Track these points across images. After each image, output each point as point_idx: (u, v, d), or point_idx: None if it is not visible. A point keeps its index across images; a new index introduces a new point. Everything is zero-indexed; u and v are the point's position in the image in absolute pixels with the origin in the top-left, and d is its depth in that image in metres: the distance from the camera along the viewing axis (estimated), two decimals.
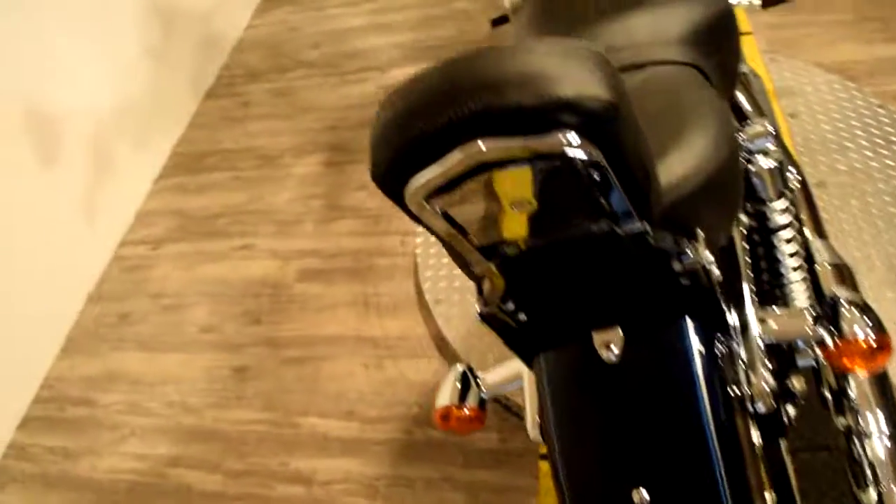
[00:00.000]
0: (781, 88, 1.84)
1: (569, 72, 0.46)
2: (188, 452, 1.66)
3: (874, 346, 0.67)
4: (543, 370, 0.73)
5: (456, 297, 1.69)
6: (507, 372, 0.88)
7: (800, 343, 0.81)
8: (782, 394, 0.84)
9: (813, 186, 1.61)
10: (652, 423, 0.65)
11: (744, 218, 0.94)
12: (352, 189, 2.05)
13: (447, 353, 1.64)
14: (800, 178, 1.18)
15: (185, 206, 2.19)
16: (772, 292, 0.94)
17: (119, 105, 2.19)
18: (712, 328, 0.70)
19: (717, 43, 0.81)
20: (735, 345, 0.72)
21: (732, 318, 0.74)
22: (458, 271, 1.73)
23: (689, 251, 0.62)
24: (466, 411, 0.86)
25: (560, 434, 0.69)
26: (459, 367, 0.91)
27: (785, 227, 0.92)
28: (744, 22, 1.98)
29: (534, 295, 0.68)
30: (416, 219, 0.56)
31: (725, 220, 0.68)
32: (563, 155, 0.46)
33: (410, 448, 1.53)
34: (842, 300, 0.69)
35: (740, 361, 0.72)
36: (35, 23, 1.92)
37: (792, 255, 0.93)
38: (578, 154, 0.46)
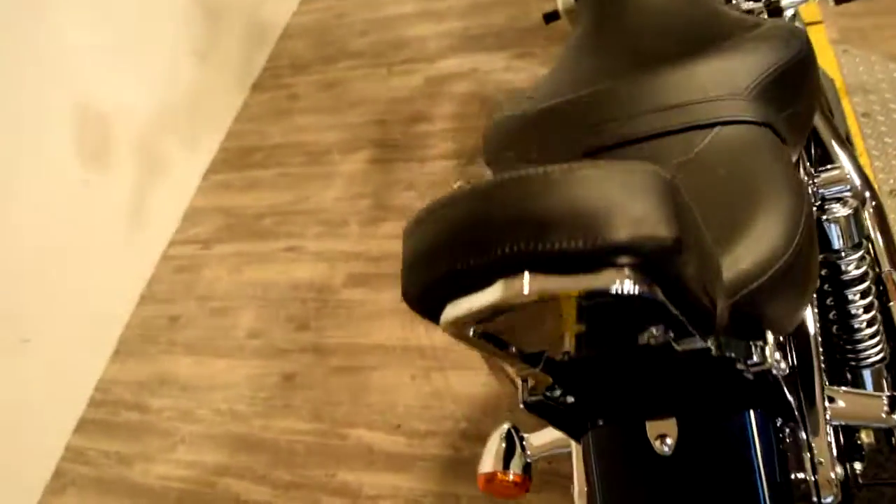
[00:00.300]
0: (853, 85, 1.71)
1: (625, 209, 0.41)
2: (236, 461, 1.67)
3: None
4: (593, 445, 0.69)
5: None
6: (555, 435, 0.84)
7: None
8: (849, 457, 0.78)
9: (886, 196, 1.51)
10: None
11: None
12: (399, 189, 2.01)
13: (494, 364, 1.60)
14: (873, 201, 1.09)
15: (233, 205, 2.19)
16: (842, 350, 0.87)
17: (166, 102, 2.18)
18: (775, 416, 0.64)
19: (793, 92, 0.74)
20: (800, 432, 0.67)
21: (798, 401, 0.68)
22: None
23: (755, 355, 0.56)
24: (511, 477, 0.82)
25: None
26: (504, 427, 0.87)
27: (860, 279, 0.85)
28: (813, 10, 1.85)
29: (583, 386, 0.63)
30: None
31: (798, 308, 0.62)
32: (617, 294, 0.41)
33: (458, 465, 1.51)
34: None
35: (806, 449, 0.66)
36: (78, 23, 1.91)
37: (866, 310, 0.85)
38: (634, 292, 0.41)
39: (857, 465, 0.80)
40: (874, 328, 0.87)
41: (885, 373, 0.85)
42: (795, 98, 0.74)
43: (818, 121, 1.09)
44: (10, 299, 1.75)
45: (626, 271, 0.41)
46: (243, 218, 2.14)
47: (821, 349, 0.73)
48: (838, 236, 0.83)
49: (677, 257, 0.42)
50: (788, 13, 1.53)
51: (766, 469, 0.61)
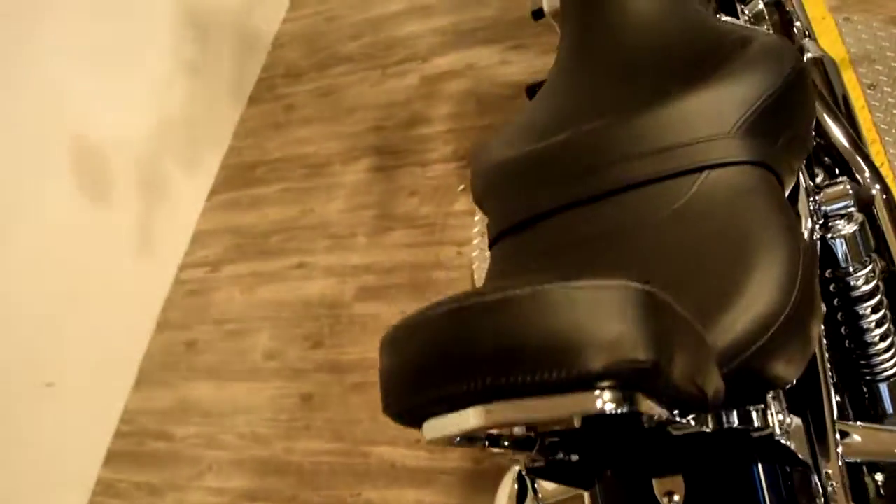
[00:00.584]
0: (857, 55, 1.66)
1: (597, 334, 0.39)
2: (264, 486, 1.68)
3: None
4: (602, 496, 0.68)
5: None
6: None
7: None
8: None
9: None
10: None
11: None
12: (403, 196, 1.99)
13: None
14: (884, 194, 1.06)
15: (239, 223, 2.18)
16: (857, 365, 0.85)
17: (163, 125, 2.17)
18: (784, 464, 0.62)
19: (788, 116, 0.71)
20: (812, 476, 0.65)
21: (809, 441, 0.66)
22: None
23: (756, 420, 0.54)
24: None
25: None
26: (516, 469, 0.86)
27: (870, 294, 0.82)
28: None
29: (585, 449, 0.62)
30: None
31: (802, 360, 0.60)
32: (596, 412, 0.40)
33: (479, 477, 1.51)
34: None
35: (819, 495, 0.65)
36: (65, 57, 1.90)
37: (878, 324, 0.83)
38: (612, 412, 0.40)
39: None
40: (888, 341, 0.85)
41: None
42: (791, 122, 0.72)
43: (821, 118, 1.06)
44: (30, 345, 1.77)
45: (604, 394, 0.39)
46: (251, 237, 2.13)
47: (830, 380, 0.71)
48: (845, 253, 0.81)
49: (659, 376, 0.40)
50: None
51: None
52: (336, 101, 2.33)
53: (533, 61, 2.06)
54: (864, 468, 0.74)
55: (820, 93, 1.14)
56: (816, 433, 0.68)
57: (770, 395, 0.55)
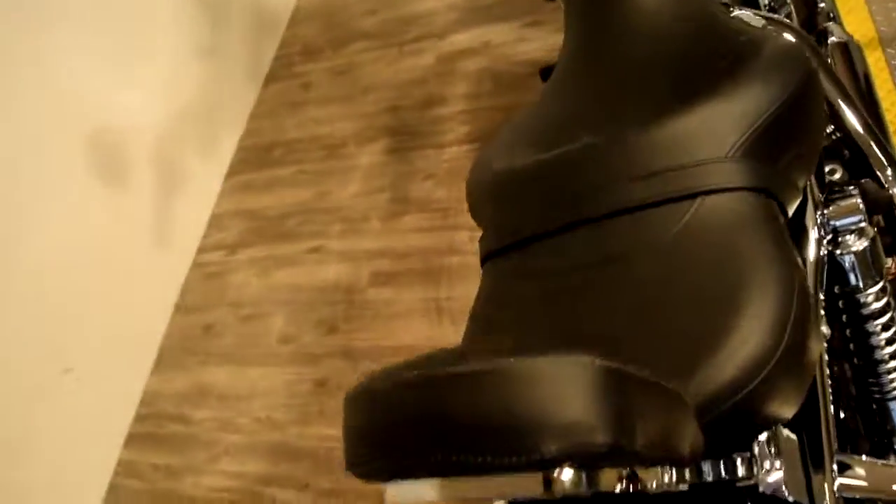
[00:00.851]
0: (887, 34, 1.59)
1: (558, 416, 0.37)
2: (278, 470, 1.70)
3: None
4: None
5: None
6: None
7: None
8: None
9: None
10: None
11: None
12: (418, 179, 1.97)
13: None
14: None
15: (256, 206, 2.18)
16: (866, 384, 0.81)
17: (178, 110, 2.16)
18: None
19: (792, 133, 0.67)
20: None
21: (806, 476, 0.64)
22: None
23: (740, 470, 0.52)
24: None
25: None
26: None
27: (881, 312, 0.79)
28: None
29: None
30: None
31: (796, 400, 0.57)
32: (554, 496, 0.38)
33: None
34: None
35: None
36: (79, 47, 1.90)
37: (889, 343, 0.80)
38: (571, 491, 0.38)
39: None
40: None
41: None
42: (795, 139, 0.68)
43: (840, 111, 1.01)
44: (49, 332, 1.79)
45: (563, 474, 0.38)
46: (267, 220, 2.13)
47: (831, 407, 0.68)
48: (855, 270, 0.77)
49: (619, 452, 0.38)
50: None
51: None
52: (352, 80, 2.30)
53: (548, 38, 2.01)
54: None
55: (840, 83, 1.08)
56: (813, 464, 0.65)
57: (756, 447, 0.53)
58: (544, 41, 2.03)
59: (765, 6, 1.30)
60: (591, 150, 0.68)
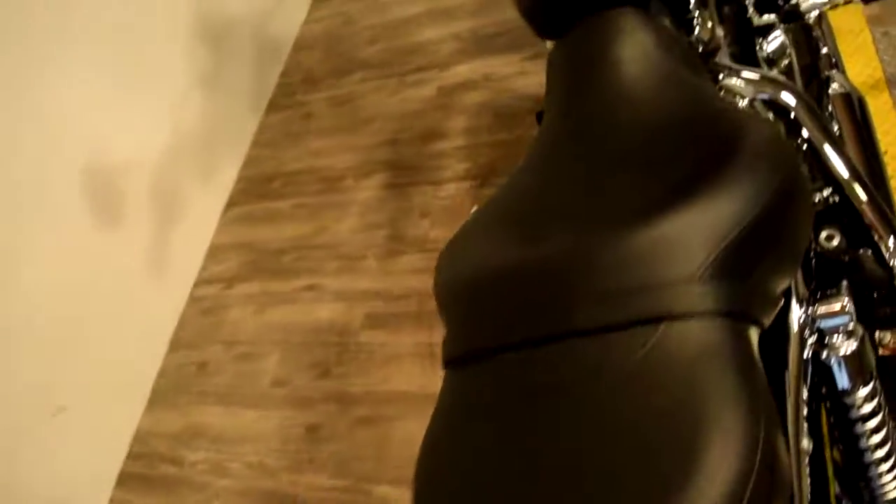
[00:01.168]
0: (894, 75, 1.53)
1: None
2: None
3: None
4: None
5: None
6: None
7: None
8: None
9: None
10: None
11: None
12: (415, 217, 1.94)
13: None
14: None
15: (253, 239, 2.16)
16: (856, 486, 0.76)
17: (179, 140, 2.14)
18: None
19: (770, 245, 0.62)
20: None
21: None
22: None
23: None
24: None
25: None
26: None
27: (871, 414, 0.74)
28: None
29: None
30: None
31: None
32: None
33: None
34: None
35: None
36: (78, 80, 1.88)
37: (881, 445, 0.75)
38: None
39: None
40: (891, 461, 0.76)
41: None
42: (774, 248, 0.63)
43: (838, 173, 0.96)
44: (41, 371, 1.78)
45: None
46: (264, 254, 2.11)
47: None
48: (844, 372, 0.73)
49: None
50: (811, 15, 1.36)
51: None
52: (353, 111, 2.27)
53: None
54: None
55: (837, 143, 1.03)
56: None
57: None
58: (544, 75, 1.98)
59: (763, 58, 1.25)
60: (559, 258, 0.64)
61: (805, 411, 0.73)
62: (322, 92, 2.37)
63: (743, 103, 0.93)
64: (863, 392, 0.74)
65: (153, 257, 2.07)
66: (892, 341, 0.92)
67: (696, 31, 1.05)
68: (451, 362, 0.70)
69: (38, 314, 1.78)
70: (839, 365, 0.73)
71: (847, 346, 0.72)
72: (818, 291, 0.81)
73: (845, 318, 0.73)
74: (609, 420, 0.55)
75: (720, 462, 0.50)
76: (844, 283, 0.75)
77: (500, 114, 2.00)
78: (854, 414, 0.74)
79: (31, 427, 1.74)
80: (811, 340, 0.74)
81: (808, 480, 0.69)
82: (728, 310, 0.57)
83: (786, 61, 1.28)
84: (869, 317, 0.94)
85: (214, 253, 2.20)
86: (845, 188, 0.94)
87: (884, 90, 1.52)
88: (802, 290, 0.76)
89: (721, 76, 1.01)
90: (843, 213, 0.96)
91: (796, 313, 0.74)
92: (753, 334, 0.60)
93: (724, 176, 0.63)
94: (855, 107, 1.23)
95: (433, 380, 1.66)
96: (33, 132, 1.79)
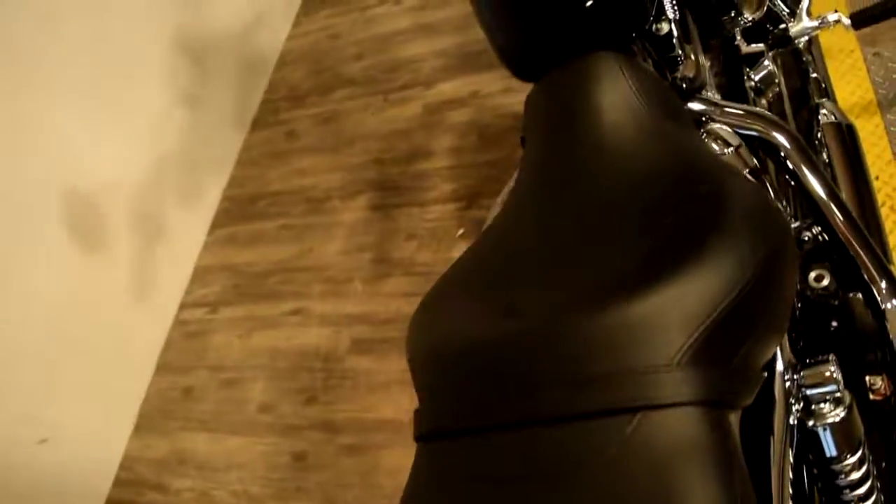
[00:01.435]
0: (886, 98, 1.52)
1: None
2: None
3: None
4: None
5: None
6: None
7: None
8: None
9: None
10: None
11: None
12: (401, 239, 1.92)
13: None
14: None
15: (238, 261, 2.13)
16: None
17: (160, 160, 2.12)
18: None
19: (753, 321, 0.60)
20: None
21: None
22: None
23: None
24: None
25: None
26: None
27: (860, 481, 0.72)
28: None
29: None
30: None
31: None
32: None
33: None
34: None
35: None
36: (56, 105, 1.85)
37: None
38: None
39: None
40: None
41: None
42: (756, 326, 0.61)
43: (827, 210, 0.94)
44: (23, 401, 1.75)
45: None
46: (249, 277, 2.08)
47: None
48: (831, 442, 0.71)
49: None
50: (801, 41, 1.34)
51: None
52: (337, 130, 2.25)
53: None
54: None
55: (826, 179, 1.01)
56: None
57: None
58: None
59: (751, 87, 1.24)
60: (530, 336, 0.62)
61: (790, 478, 0.71)
62: (306, 109, 2.35)
63: (729, 151, 0.91)
64: (851, 459, 0.72)
65: (137, 281, 2.04)
66: (882, 387, 0.90)
67: (681, 68, 1.03)
68: (420, 437, 0.69)
69: (18, 341, 1.76)
70: (826, 433, 0.71)
71: (834, 415, 0.70)
72: (805, 353, 0.79)
73: (833, 387, 0.71)
74: None
75: None
76: (832, 356, 0.73)
77: (486, 133, 1.98)
78: (842, 481, 0.73)
79: (13, 462, 1.72)
80: (797, 407, 0.73)
81: None
82: (708, 398, 0.56)
83: (774, 90, 1.27)
84: (859, 362, 0.92)
85: (199, 275, 2.17)
86: (836, 229, 0.92)
87: (875, 113, 1.51)
88: (788, 355, 0.74)
89: (705, 119, 0.99)
90: (832, 251, 0.95)
91: (781, 380, 0.72)
92: (734, 417, 0.59)
93: (705, 249, 0.61)
94: (845, 136, 1.21)
95: None
96: (7, 154, 1.76)
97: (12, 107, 1.76)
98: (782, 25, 1.29)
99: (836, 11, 1.24)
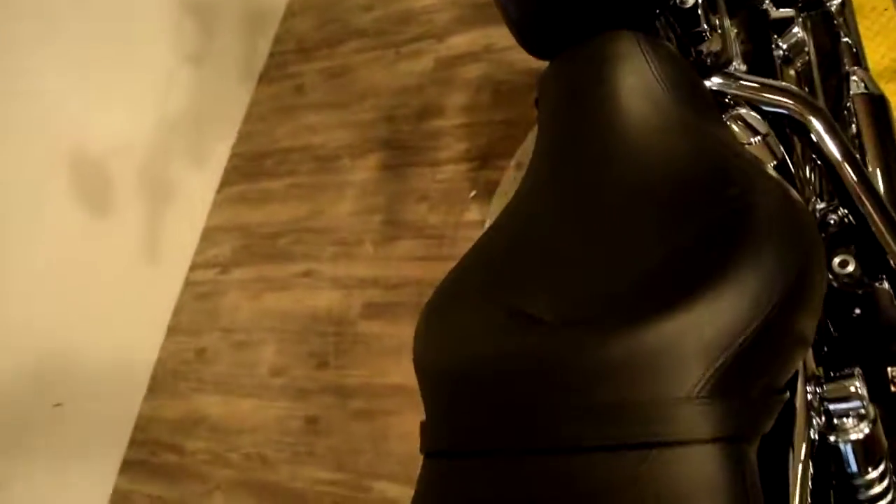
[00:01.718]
0: None
1: None
2: None
3: None
4: None
5: None
6: None
7: None
8: None
9: None
10: None
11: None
12: (412, 201, 1.88)
13: None
14: None
15: (248, 221, 2.11)
16: None
17: (168, 121, 2.07)
18: None
19: (777, 349, 0.57)
20: None
21: None
22: None
23: None
24: None
25: None
26: None
27: (880, 496, 0.70)
28: None
29: None
30: None
31: None
32: None
33: None
34: None
35: None
36: (59, 66, 1.81)
37: None
38: None
39: None
40: None
41: None
42: (779, 354, 0.57)
43: (855, 193, 0.89)
44: (38, 365, 1.76)
45: None
46: (259, 237, 2.06)
47: None
48: (853, 456, 0.68)
49: None
50: (833, 3, 1.27)
51: None
52: (347, 84, 2.18)
53: None
54: None
55: (855, 158, 0.95)
56: None
57: None
58: None
59: (779, 56, 1.17)
60: (542, 358, 0.59)
61: (809, 491, 0.69)
62: (315, 62, 2.28)
63: (756, 140, 0.86)
64: (873, 474, 0.69)
65: (146, 242, 2.02)
66: None
67: (706, 44, 0.97)
68: (426, 454, 0.66)
69: (30, 306, 1.76)
70: (848, 448, 0.68)
71: (858, 430, 0.67)
72: (828, 356, 0.76)
73: (857, 403, 0.68)
74: None
75: None
76: (857, 369, 0.69)
77: (500, 90, 1.92)
78: (862, 495, 0.70)
79: (29, 425, 1.73)
80: (818, 420, 0.70)
81: None
82: (726, 434, 0.53)
83: (804, 59, 1.20)
84: (882, 353, 0.89)
85: (209, 235, 2.15)
86: (864, 213, 0.88)
87: None
88: (811, 367, 0.71)
89: (729, 99, 0.93)
90: (858, 235, 0.90)
91: (803, 393, 0.69)
92: (753, 447, 0.56)
93: (729, 269, 0.56)
94: (876, 108, 1.15)
95: None
96: (11, 117, 1.72)
97: (9, 66, 1.71)
98: None
99: None
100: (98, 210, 1.90)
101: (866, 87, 1.19)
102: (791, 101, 0.93)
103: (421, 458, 0.66)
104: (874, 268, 0.87)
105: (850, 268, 0.87)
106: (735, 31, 1.10)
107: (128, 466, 1.92)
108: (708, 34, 0.95)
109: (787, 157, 0.89)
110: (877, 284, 0.88)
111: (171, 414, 1.93)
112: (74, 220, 1.85)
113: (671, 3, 0.90)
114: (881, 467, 0.69)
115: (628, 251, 0.65)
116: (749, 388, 0.55)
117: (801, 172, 1.04)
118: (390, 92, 2.09)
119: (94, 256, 1.89)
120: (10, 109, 1.71)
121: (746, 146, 0.86)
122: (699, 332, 0.54)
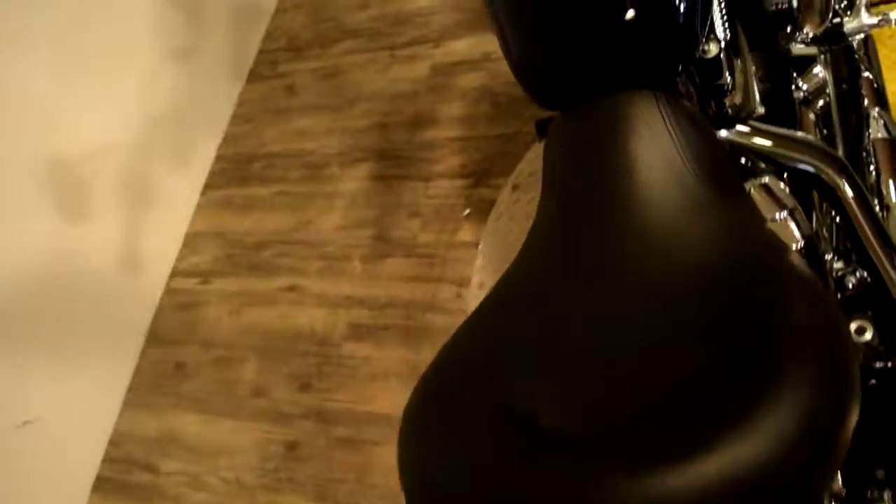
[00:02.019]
0: None
1: None
2: None
3: None
4: None
5: None
6: None
7: None
8: None
9: None
10: None
11: None
12: (403, 216, 1.80)
13: None
14: None
15: (232, 229, 2.02)
16: None
17: (150, 120, 1.98)
18: None
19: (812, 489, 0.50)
20: None
21: None
22: None
23: None
24: None
25: None
26: None
27: None
28: None
29: None
30: None
31: None
32: None
33: None
34: None
35: None
36: (38, 69, 1.71)
37: None
38: None
39: None
40: None
41: None
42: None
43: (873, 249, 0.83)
44: (13, 371, 1.68)
45: None
46: (243, 247, 1.98)
47: None
48: None
49: None
50: (855, 39, 1.20)
51: None
52: (339, 87, 2.09)
53: None
54: None
55: (875, 216, 0.88)
56: None
57: None
58: None
59: (799, 98, 1.09)
60: (566, 490, 0.52)
61: None
62: (307, 62, 2.19)
63: (781, 217, 0.78)
64: None
65: (126, 248, 1.94)
66: None
67: (729, 97, 0.89)
68: None
69: (5, 322, 1.68)
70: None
71: None
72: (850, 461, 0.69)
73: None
74: None
75: None
76: (887, 493, 0.63)
77: (498, 102, 1.83)
78: None
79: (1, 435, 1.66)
80: None
81: None
82: None
83: (825, 99, 1.13)
84: None
85: (191, 241, 2.07)
86: (882, 272, 0.82)
87: None
88: (837, 486, 0.64)
89: (747, 159, 0.86)
90: (877, 299, 0.84)
91: None
92: None
93: (754, 406, 0.49)
94: None
95: None
96: None
97: None
98: (836, 20, 1.13)
99: None
100: (74, 212, 1.82)
101: (887, 129, 1.13)
102: (812, 157, 0.87)
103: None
104: (892, 333, 0.81)
105: (868, 335, 0.81)
106: (753, 67, 1.02)
107: (101, 483, 1.85)
108: (730, 86, 0.87)
109: (812, 230, 0.81)
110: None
111: (147, 430, 1.85)
112: (51, 222, 1.77)
113: (695, 56, 0.82)
114: None
115: (646, 358, 0.58)
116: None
117: (821, 230, 0.98)
118: (384, 97, 2.00)
119: (71, 259, 1.80)
120: None
121: (771, 222, 0.78)
122: (714, 487, 0.47)
